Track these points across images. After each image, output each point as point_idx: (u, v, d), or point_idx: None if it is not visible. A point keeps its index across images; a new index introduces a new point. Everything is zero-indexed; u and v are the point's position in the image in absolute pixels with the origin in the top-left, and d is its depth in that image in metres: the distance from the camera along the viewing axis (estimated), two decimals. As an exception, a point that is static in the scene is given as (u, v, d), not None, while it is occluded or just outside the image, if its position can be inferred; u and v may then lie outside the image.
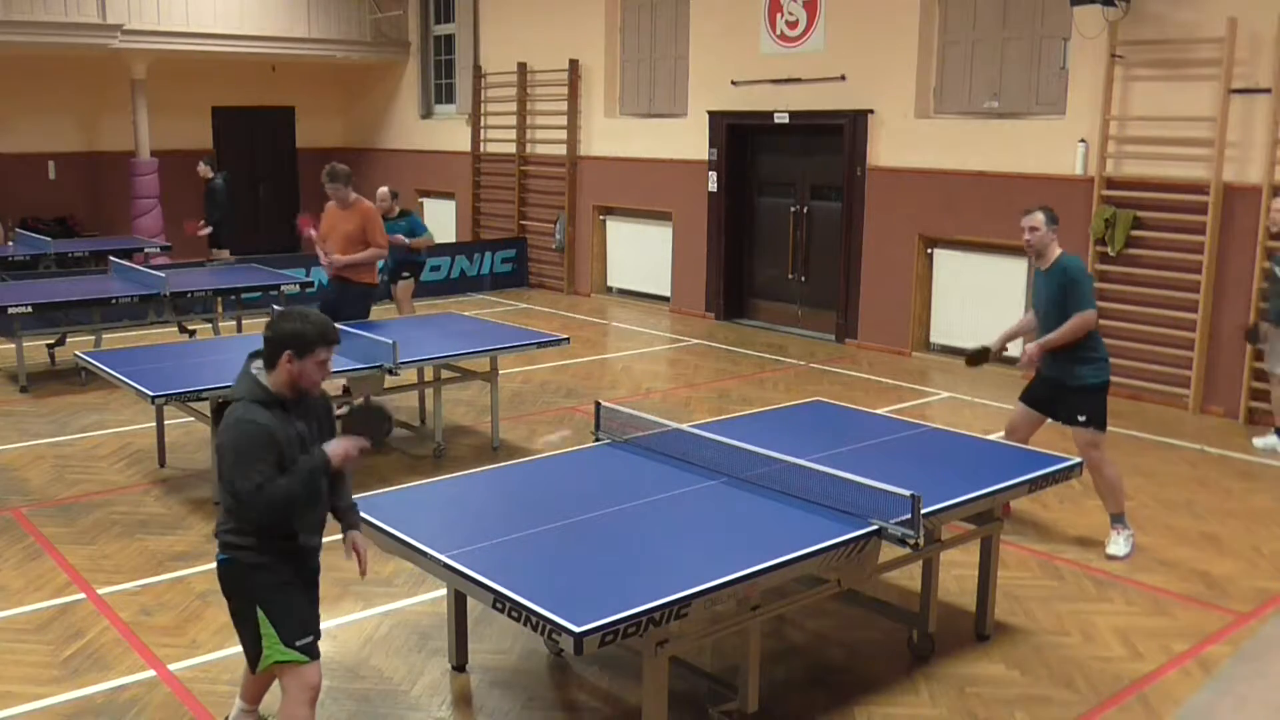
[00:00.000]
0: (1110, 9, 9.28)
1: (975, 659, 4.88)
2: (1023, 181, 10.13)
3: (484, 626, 5.05)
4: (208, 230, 13.90)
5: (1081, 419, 6.02)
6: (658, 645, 3.72)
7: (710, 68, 12.88)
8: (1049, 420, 6.31)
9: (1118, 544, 6.11)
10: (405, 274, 11.57)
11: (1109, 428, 6.17)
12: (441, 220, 17.34)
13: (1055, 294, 5.97)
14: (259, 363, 3.74)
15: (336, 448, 3.71)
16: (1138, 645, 5.05)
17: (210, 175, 14.01)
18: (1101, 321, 9.54)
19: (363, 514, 4.24)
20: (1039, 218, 6.02)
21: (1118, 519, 6.16)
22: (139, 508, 6.68)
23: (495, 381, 7.93)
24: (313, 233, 9.18)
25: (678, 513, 4.39)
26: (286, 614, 3.67)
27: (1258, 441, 8.21)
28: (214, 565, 3.80)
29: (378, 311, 11.78)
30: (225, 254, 14.02)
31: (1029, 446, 5.73)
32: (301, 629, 3.69)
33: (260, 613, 3.65)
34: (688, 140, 13.20)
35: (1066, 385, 6.05)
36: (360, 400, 3.88)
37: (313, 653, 3.70)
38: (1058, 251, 6.06)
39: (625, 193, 14.27)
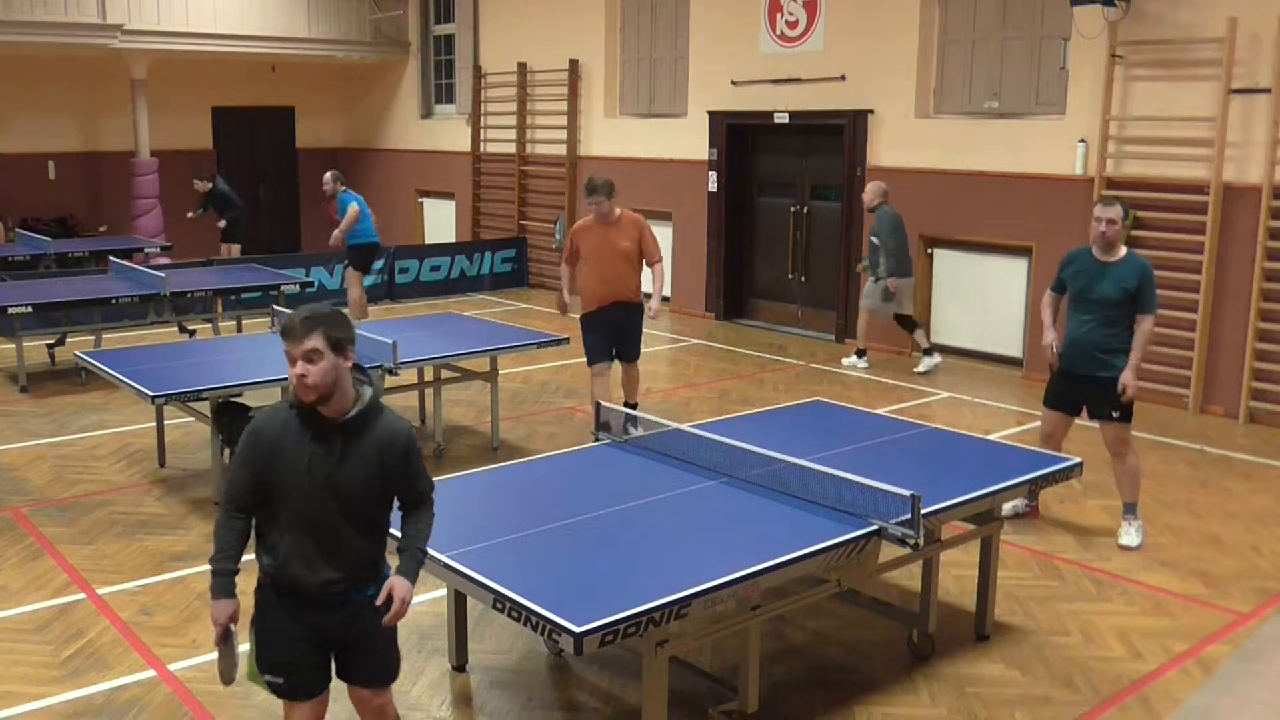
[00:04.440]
0: (1110, 9, 9.28)
1: (975, 659, 4.88)
2: (1023, 181, 10.13)
3: (484, 626, 5.05)
4: (223, 224, 14.34)
5: (1115, 415, 6.12)
6: (658, 645, 3.72)
7: (710, 68, 12.88)
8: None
9: (1130, 534, 6.20)
10: (344, 261, 11.64)
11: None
12: (441, 220, 17.36)
13: (1129, 288, 5.97)
14: None
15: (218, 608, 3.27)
16: (1138, 645, 5.05)
17: (209, 186, 14.10)
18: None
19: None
20: (1118, 211, 6.06)
21: (1131, 509, 6.25)
22: (139, 508, 6.67)
23: (495, 381, 7.93)
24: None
25: (678, 513, 4.39)
26: (260, 638, 3.44)
27: (844, 360, 10.67)
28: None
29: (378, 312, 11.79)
30: (235, 249, 14.17)
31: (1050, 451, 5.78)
32: (271, 665, 3.42)
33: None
34: (688, 140, 13.20)
35: (1100, 377, 6.09)
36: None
37: (280, 691, 3.44)
38: (1124, 249, 6.11)
39: (625, 193, 14.13)
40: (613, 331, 7.75)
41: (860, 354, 10.66)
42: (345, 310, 3.64)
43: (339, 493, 3.30)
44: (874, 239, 10.23)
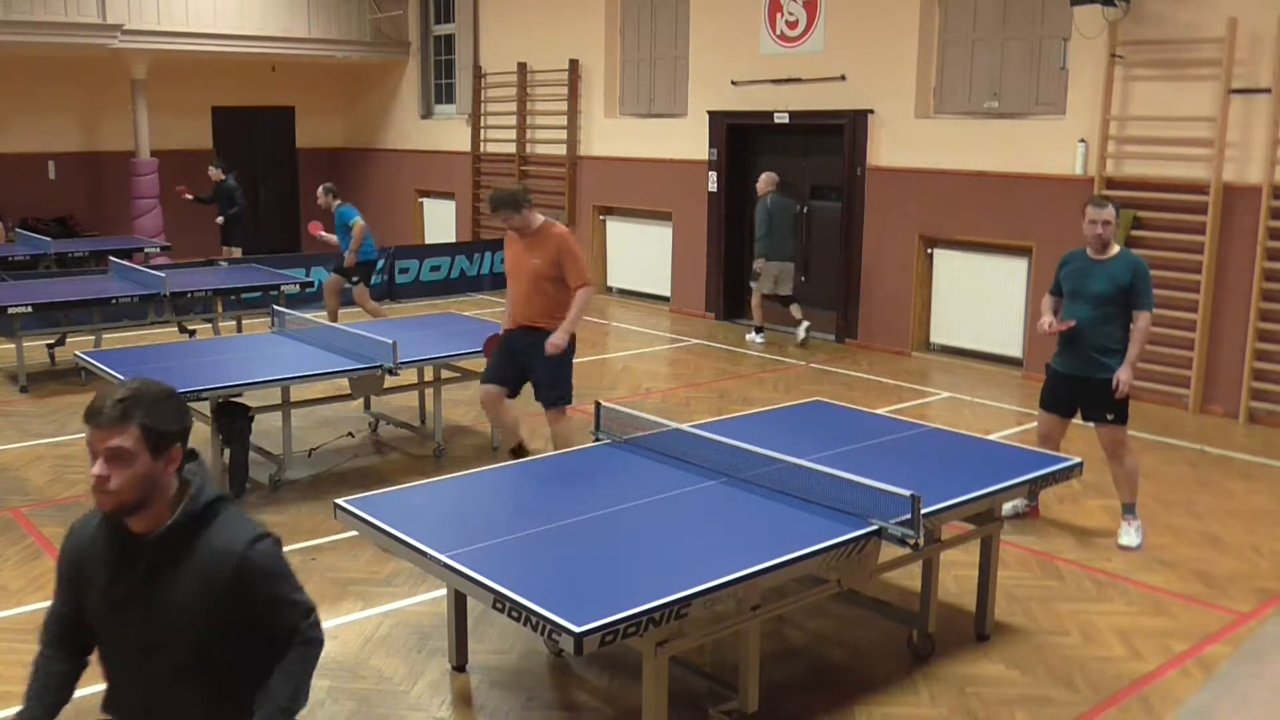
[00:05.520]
0: (1110, 9, 9.28)
1: (975, 659, 4.88)
2: (1023, 181, 10.13)
3: (484, 626, 5.05)
4: (190, 197, 14.24)
5: (1110, 417, 6.11)
6: (658, 645, 3.72)
7: (710, 68, 12.88)
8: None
9: (1129, 534, 6.19)
10: (354, 278, 11.45)
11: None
12: (441, 220, 17.36)
13: (1121, 284, 5.98)
14: None
15: None
16: (1138, 645, 5.05)
17: (222, 177, 14.05)
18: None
19: (363, 514, 4.22)
20: (1112, 212, 6.09)
21: (1129, 509, 6.25)
22: (139, 508, 6.66)
23: (495, 381, 7.91)
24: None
25: (678, 513, 4.39)
26: None
27: (746, 336, 11.81)
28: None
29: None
30: (236, 252, 14.09)
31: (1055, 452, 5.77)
32: None
33: None
34: (688, 140, 13.20)
35: (1095, 379, 6.08)
36: None
37: None
38: (1116, 247, 6.14)
39: (625, 193, 14.26)
40: (513, 358, 6.83)
41: (759, 330, 11.75)
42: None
43: (155, 638, 2.52)
44: (763, 225, 11.34)
